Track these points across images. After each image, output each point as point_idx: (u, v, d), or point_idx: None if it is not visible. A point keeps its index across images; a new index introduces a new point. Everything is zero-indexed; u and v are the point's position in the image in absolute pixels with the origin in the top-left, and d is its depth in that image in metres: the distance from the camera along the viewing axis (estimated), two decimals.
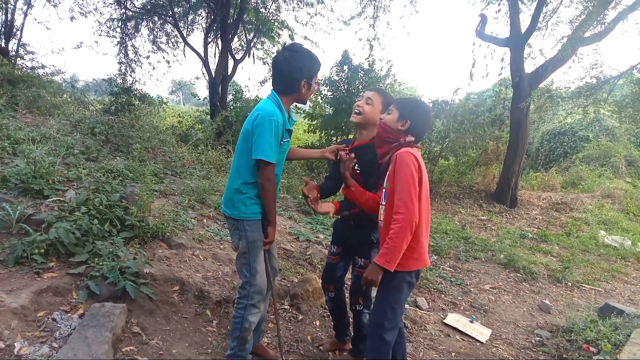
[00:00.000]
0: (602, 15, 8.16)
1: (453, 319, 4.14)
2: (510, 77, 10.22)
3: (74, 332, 2.33)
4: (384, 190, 2.29)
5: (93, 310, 2.45)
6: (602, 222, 9.16)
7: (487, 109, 11.89)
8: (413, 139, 2.28)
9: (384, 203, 2.29)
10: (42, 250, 2.78)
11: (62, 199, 3.42)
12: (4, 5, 10.64)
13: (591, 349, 3.73)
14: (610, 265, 6.63)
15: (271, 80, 2.45)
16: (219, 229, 4.16)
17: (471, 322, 4.18)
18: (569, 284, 5.73)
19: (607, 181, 12.02)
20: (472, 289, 5.09)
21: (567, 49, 8.16)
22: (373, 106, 2.60)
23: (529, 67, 9.90)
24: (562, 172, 12.99)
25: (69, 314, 2.49)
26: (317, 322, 3.42)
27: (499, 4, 11.17)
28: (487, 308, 4.69)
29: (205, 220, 4.28)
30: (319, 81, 2.42)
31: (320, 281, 3.06)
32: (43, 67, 10.81)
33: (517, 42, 9.68)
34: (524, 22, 9.80)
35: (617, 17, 8.37)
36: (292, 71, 2.29)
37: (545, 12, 10.40)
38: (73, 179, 4.01)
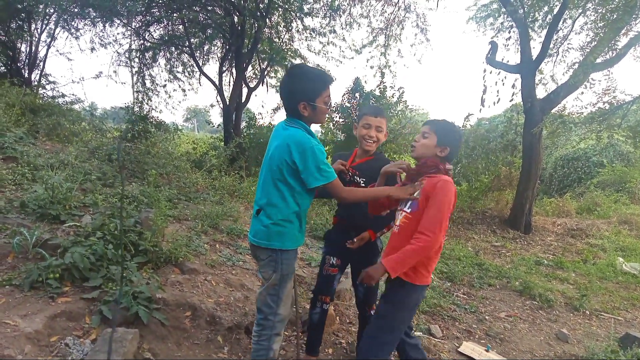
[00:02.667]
0: (613, 42, 8.22)
1: (468, 347, 4.06)
2: (521, 102, 10.24)
3: (86, 357, 2.34)
4: (410, 201, 2.31)
5: (106, 336, 2.46)
6: (620, 249, 8.96)
7: (499, 134, 11.89)
8: (451, 167, 2.35)
9: (407, 210, 2.31)
10: (57, 275, 2.82)
11: (78, 224, 3.48)
12: (28, 38, 11.09)
13: None
14: (629, 293, 6.46)
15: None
16: (231, 254, 4.18)
17: (487, 351, 4.09)
18: (587, 312, 5.58)
19: (624, 207, 11.81)
20: (487, 317, 4.99)
21: (579, 74, 8.20)
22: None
23: (541, 92, 9.94)
24: (576, 198, 12.82)
25: (81, 339, 2.51)
26: (330, 350, 3.39)
27: (509, 32, 11.31)
28: (503, 337, 4.59)
29: (217, 246, 4.30)
30: (332, 104, 2.38)
31: (313, 294, 3.05)
32: (63, 96, 11.18)
33: (528, 68, 9.74)
34: (535, 48, 9.88)
35: (629, 43, 8.42)
36: (289, 96, 2.27)
37: (556, 39, 10.50)
38: (89, 204, 4.09)
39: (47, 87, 11.26)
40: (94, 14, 11.02)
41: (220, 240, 4.42)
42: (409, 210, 2.31)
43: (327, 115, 2.44)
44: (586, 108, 8.97)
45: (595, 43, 8.40)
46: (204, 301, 3.21)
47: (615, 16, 7.95)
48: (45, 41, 11.65)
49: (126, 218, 3.64)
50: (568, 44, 10.52)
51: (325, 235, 3.16)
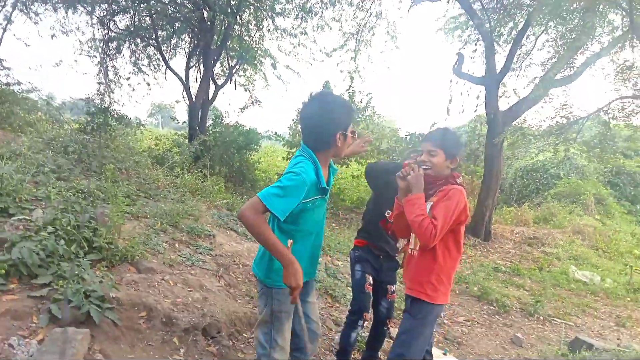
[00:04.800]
0: (571, 60, 8.57)
1: None
2: (485, 114, 10.53)
3: (31, 358, 2.20)
4: None
5: (54, 336, 2.32)
6: (573, 258, 9.35)
7: (462, 143, 12.17)
8: (461, 179, 2.37)
9: None
10: (3, 271, 2.65)
11: (28, 217, 3.29)
12: None
13: None
14: (580, 300, 6.73)
15: (303, 137, 2.15)
16: (190, 254, 4.06)
17: (444, 354, 4.14)
18: (541, 317, 5.77)
19: (578, 218, 12.33)
20: (445, 321, 5.07)
21: (539, 89, 8.53)
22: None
23: (504, 105, 10.26)
24: (534, 208, 13.28)
25: (27, 339, 2.35)
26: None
27: (476, 44, 11.63)
28: (461, 340, 4.67)
29: (177, 245, 4.18)
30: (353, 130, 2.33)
31: (353, 312, 3.06)
32: (19, 83, 10.62)
33: (492, 81, 10.03)
34: (499, 62, 10.19)
35: (586, 62, 8.82)
36: (326, 124, 2.03)
37: (519, 54, 10.88)
38: (42, 197, 3.88)
39: (1, 72, 10.67)
40: (56, 0, 10.56)
41: (180, 239, 4.30)
42: None
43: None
44: (544, 121, 9.33)
45: (555, 60, 8.76)
46: (160, 301, 3.09)
47: (574, 36, 8.31)
48: (1, 24, 11.06)
49: (80, 213, 3.48)
50: (530, 59, 10.91)
51: (358, 257, 3.17)
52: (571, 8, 8.47)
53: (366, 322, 3.06)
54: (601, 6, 7.80)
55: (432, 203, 2.30)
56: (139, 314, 2.92)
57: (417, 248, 2.37)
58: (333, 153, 2.12)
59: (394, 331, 3.58)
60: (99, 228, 3.43)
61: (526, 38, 10.70)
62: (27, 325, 2.43)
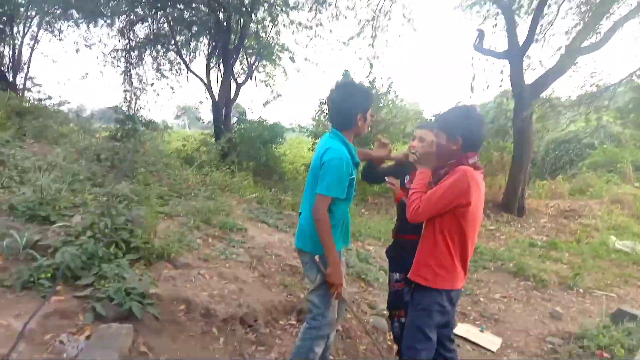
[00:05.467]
0: (597, 26, 8.24)
1: (463, 329, 4.10)
2: (510, 88, 10.26)
3: (81, 353, 2.35)
4: None
5: (100, 332, 2.47)
6: (612, 228, 9.04)
7: (490, 120, 11.93)
8: (475, 158, 2.26)
9: None
10: (49, 275, 2.82)
11: (68, 224, 3.47)
12: (11, 42, 10.98)
13: (605, 354, 3.67)
14: (622, 271, 6.53)
15: (329, 118, 2.56)
16: (224, 248, 4.18)
17: (481, 331, 4.13)
18: (581, 290, 5.65)
19: (615, 187, 11.90)
20: (481, 299, 5.04)
21: (565, 59, 8.25)
22: (426, 144, 2.58)
23: (529, 77, 9.95)
24: (569, 180, 12.89)
25: (75, 336, 2.50)
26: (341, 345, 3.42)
27: (496, 19, 11.28)
28: (498, 317, 4.64)
29: (210, 240, 4.31)
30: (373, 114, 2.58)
31: (388, 311, 3.09)
32: (50, 98, 11.08)
33: (515, 54, 9.74)
34: (522, 34, 9.87)
35: (613, 27, 8.45)
36: (349, 106, 2.39)
37: (542, 25, 10.48)
38: (79, 204, 4.07)
39: (33, 89, 11.16)
40: (77, 15, 10.91)
41: (213, 234, 4.42)
42: None
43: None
44: (573, 92, 9.02)
45: (580, 27, 8.43)
46: (198, 294, 3.21)
47: (598, 0, 7.97)
48: (29, 44, 11.54)
49: (116, 216, 3.63)
50: (553, 28, 10.51)
51: (385, 252, 3.16)
52: None
53: (402, 319, 2.90)
54: None
55: None
56: (178, 307, 3.05)
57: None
58: (355, 132, 2.46)
59: None
60: (135, 229, 3.57)
61: (548, 7, 10.28)
62: (74, 324, 2.58)
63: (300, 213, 2.52)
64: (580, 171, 13.28)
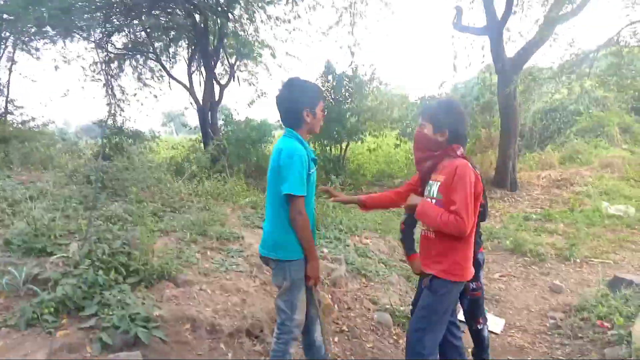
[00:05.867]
0: None
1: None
2: (493, 63, 10.29)
3: None
4: (433, 200, 2.31)
5: None
6: (604, 193, 9.19)
7: (475, 97, 11.97)
8: (462, 150, 2.31)
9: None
10: (52, 309, 2.83)
11: (65, 254, 3.47)
12: None
13: (605, 324, 3.76)
14: (616, 236, 6.66)
15: (280, 119, 2.54)
16: (223, 260, 4.21)
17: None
18: (578, 260, 5.76)
19: (604, 151, 12.06)
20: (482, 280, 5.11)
21: (544, 30, 8.29)
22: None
23: (511, 51, 9.99)
24: (558, 149, 13.01)
25: None
26: (336, 338, 3.47)
27: None
28: (499, 297, 4.73)
29: (208, 253, 4.33)
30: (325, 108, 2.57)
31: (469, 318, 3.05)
32: (33, 119, 10.97)
33: (494, 28, 9.77)
34: (500, 8, 9.88)
35: None
36: (292, 104, 2.41)
37: None
38: (74, 230, 4.07)
39: (15, 112, 11.01)
40: (52, 32, 10.75)
41: (211, 247, 4.44)
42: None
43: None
44: (553, 63, 9.07)
45: None
46: (202, 311, 3.25)
47: None
48: (6, 66, 11.37)
49: (112, 240, 3.65)
50: (529, 2, 10.51)
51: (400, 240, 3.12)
52: None
53: (480, 325, 2.98)
54: None
55: (439, 182, 2.28)
56: (183, 326, 3.08)
57: (432, 229, 2.34)
58: (307, 129, 2.45)
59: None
60: (133, 251, 3.59)
61: None
62: (83, 356, 2.60)
63: (264, 220, 2.54)
64: (569, 139, 13.40)
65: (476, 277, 2.73)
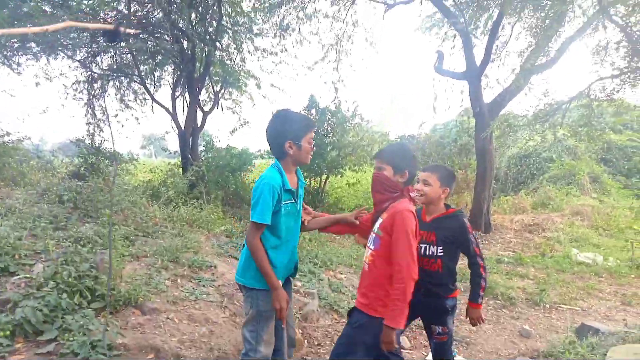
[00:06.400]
0: (547, 47, 8.71)
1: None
2: (471, 107, 10.64)
3: None
4: (374, 235, 2.38)
5: None
6: (574, 240, 9.41)
7: (453, 139, 12.28)
8: (415, 192, 2.40)
9: (372, 248, 2.37)
10: (8, 332, 2.71)
11: (28, 275, 3.36)
12: None
13: None
14: (584, 283, 6.78)
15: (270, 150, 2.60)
16: (193, 288, 4.12)
17: (453, 357, 4.18)
18: (547, 306, 5.82)
19: (575, 199, 12.42)
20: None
21: (520, 79, 8.66)
22: (432, 186, 2.73)
23: (489, 96, 10.38)
24: (531, 194, 13.37)
25: None
26: None
27: (454, 40, 11.75)
28: (469, 340, 4.72)
29: (179, 280, 4.23)
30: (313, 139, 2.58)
31: None
32: (8, 134, 10.71)
33: (473, 74, 10.15)
34: (479, 55, 10.33)
35: (561, 47, 8.97)
36: (276, 136, 2.44)
37: (497, 45, 11.01)
38: (41, 250, 3.95)
39: None
40: (37, 49, 10.69)
41: (182, 274, 4.35)
42: (372, 248, 2.38)
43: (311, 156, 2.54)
44: (527, 111, 9.45)
45: (533, 48, 8.89)
46: (167, 341, 3.15)
47: (547, 22, 8.46)
48: None
49: (80, 262, 3.54)
50: (507, 50, 11.06)
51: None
52: None
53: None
54: None
55: (382, 220, 2.35)
56: (147, 356, 2.98)
57: (367, 262, 2.40)
58: (292, 161, 2.47)
59: None
60: (100, 275, 3.49)
61: (502, 28, 10.84)
62: None
63: (243, 246, 2.53)
64: (541, 185, 13.80)
65: (443, 322, 2.76)
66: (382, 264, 2.31)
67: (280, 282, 2.38)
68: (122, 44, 10.91)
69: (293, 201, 2.46)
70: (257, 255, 2.31)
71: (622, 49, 8.17)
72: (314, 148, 2.54)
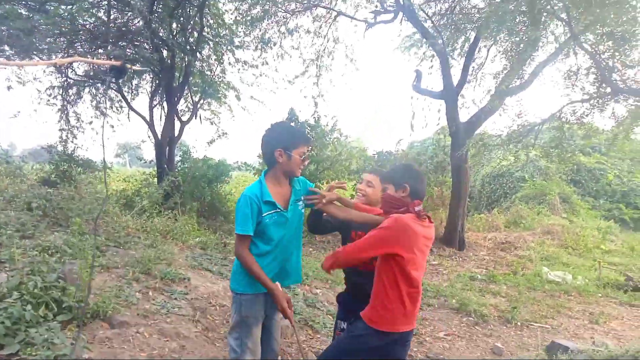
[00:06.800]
0: (521, 70, 8.99)
1: None
2: (447, 126, 10.85)
3: None
4: None
5: None
6: (545, 258, 9.62)
7: (429, 156, 12.46)
8: (420, 207, 2.34)
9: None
10: None
11: None
12: None
13: None
14: (554, 301, 6.91)
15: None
16: (165, 301, 4.02)
17: None
18: (519, 323, 5.90)
19: (546, 218, 12.74)
20: (427, 338, 5.13)
21: (495, 100, 8.88)
22: (374, 188, 2.79)
23: (464, 116, 10.61)
24: (504, 212, 13.65)
25: None
26: None
27: (432, 60, 12.01)
28: (443, 357, 4.73)
29: (150, 293, 4.13)
30: (307, 153, 2.60)
31: None
32: None
33: (450, 94, 10.38)
34: (456, 75, 10.57)
35: (534, 71, 9.26)
36: (268, 143, 2.45)
37: (474, 67, 11.31)
38: (5, 260, 3.80)
39: None
40: (10, 52, 10.42)
41: (154, 286, 4.24)
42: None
43: (302, 169, 2.54)
44: (502, 131, 9.68)
45: (507, 70, 9.16)
46: (136, 356, 3.06)
47: (521, 46, 8.74)
48: None
49: (47, 272, 3.42)
50: (482, 73, 11.37)
51: (337, 298, 3.08)
52: (516, 21, 8.93)
53: None
54: (542, 18, 8.25)
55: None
56: None
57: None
58: (282, 170, 2.47)
59: None
60: (68, 286, 3.37)
61: (478, 51, 11.16)
62: None
63: None
64: (514, 203, 14.11)
65: (349, 317, 2.77)
66: (376, 276, 2.34)
67: (278, 284, 2.40)
68: (100, 50, 10.77)
69: (277, 211, 2.43)
70: (246, 264, 2.35)
71: (592, 75, 8.50)
72: (306, 163, 2.54)
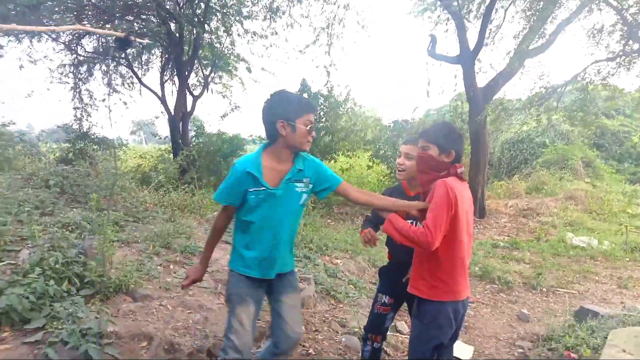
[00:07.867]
0: (542, 29, 8.59)
1: None
2: (465, 92, 10.53)
3: None
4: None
5: None
6: (569, 224, 9.42)
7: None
8: (462, 168, 2.24)
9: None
10: None
11: (13, 262, 3.21)
12: None
13: (572, 355, 3.73)
14: (580, 266, 6.77)
15: None
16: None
17: None
18: (544, 289, 5.80)
19: (568, 183, 12.44)
20: None
21: (514, 62, 8.55)
22: (414, 160, 2.53)
23: (482, 81, 10.26)
24: (524, 179, 13.36)
25: None
26: None
27: (447, 24, 11.58)
28: (468, 324, 4.66)
29: (171, 267, 4.11)
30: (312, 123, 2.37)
31: (364, 331, 2.94)
32: None
33: (467, 58, 10.02)
34: (472, 39, 10.18)
35: (556, 30, 8.84)
36: (267, 116, 2.20)
37: (491, 29, 10.85)
38: (27, 236, 3.79)
39: None
40: (17, 31, 10.34)
41: (174, 260, 4.22)
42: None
43: (309, 141, 2.25)
44: (523, 94, 9.36)
45: (527, 31, 8.77)
46: (160, 328, 3.03)
47: (541, 4, 8.32)
48: None
49: (67, 248, 3.40)
50: (502, 33, 10.90)
51: (379, 271, 3.01)
52: None
53: (376, 344, 2.83)
54: None
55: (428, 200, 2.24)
56: (139, 344, 2.87)
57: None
58: (284, 144, 2.19)
59: None
60: (89, 261, 3.35)
61: (495, 12, 10.67)
62: None
63: None
64: (535, 169, 13.79)
65: (394, 293, 2.73)
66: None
67: (206, 261, 2.48)
68: (108, 25, 10.62)
69: (263, 189, 2.18)
70: (210, 231, 2.41)
71: (618, 32, 8.09)
72: (314, 134, 2.25)
